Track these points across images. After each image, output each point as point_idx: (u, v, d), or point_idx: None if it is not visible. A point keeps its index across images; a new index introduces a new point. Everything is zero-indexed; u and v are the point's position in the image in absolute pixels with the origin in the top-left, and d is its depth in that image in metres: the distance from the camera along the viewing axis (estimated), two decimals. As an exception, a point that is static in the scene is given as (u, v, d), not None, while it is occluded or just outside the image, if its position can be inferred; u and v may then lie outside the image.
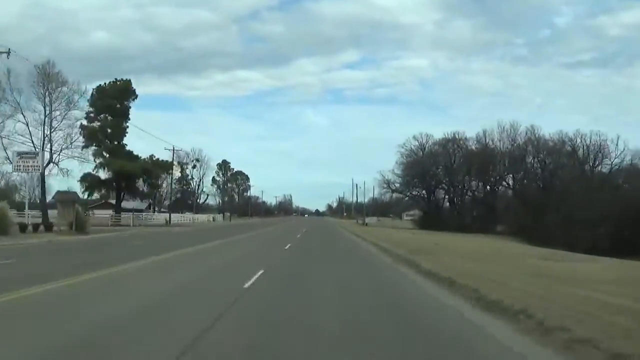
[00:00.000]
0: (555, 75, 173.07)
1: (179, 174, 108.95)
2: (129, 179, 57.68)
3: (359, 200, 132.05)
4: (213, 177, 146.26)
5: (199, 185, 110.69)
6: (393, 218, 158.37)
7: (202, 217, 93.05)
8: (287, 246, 24.43)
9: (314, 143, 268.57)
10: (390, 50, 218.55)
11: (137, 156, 59.85)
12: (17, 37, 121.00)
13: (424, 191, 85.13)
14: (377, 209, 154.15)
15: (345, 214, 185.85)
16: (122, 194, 59.80)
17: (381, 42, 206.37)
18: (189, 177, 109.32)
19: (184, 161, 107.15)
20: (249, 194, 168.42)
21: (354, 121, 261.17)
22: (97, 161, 56.02)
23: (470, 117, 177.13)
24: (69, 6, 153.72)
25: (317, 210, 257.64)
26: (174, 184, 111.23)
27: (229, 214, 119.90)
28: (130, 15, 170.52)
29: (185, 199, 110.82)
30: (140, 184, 62.07)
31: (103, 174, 57.53)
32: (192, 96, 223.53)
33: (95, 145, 57.15)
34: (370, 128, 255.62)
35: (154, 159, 60.28)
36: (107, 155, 56.92)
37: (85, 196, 62.03)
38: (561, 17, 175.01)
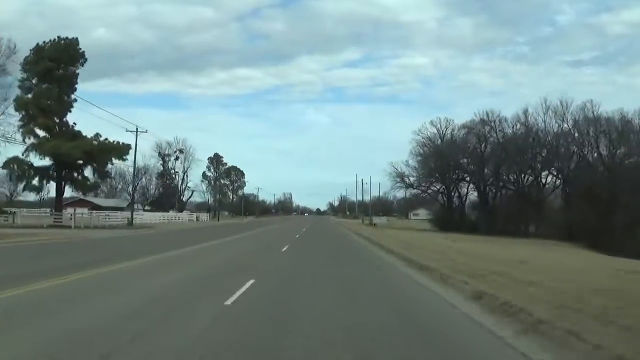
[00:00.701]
0: (556, 73, 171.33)
1: (161, 167, 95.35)
2: (71, 165, 43.91)
3: (364, 198, 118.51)
4: (204, 173, 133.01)
5: (183, 180, 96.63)
6: (399, 217, 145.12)
7: (183, 216, 79.28)
8: (249, 284, 10.89)
9: (315, 142, 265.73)
10: (391, 48, 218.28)
11: (84, 137, 46.04)
12: (18, 34, 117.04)
13: (443, 186, 71.32)
14: (380, 208, 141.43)
15: (348, 212, 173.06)
16: (63, 184, 45.96)
17: (382, 40, 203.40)
18: (172, 170, 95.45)
19: (166, 152, 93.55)
20: (243, 192, 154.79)
21: (355, 120, 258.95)
22: (28, 142, 42.39)
23: (471, 115, 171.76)
24: (70, 3, 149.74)
25: (318, 209, 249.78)
26: (156, 178, 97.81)
27: (218, 212, 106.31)
28: (130, 12, 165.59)
29: (169, 196, 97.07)
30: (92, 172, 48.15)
31: (38, 160, 43.86)
32: (192, 94, 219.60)
33: (32, 123, 43.70)
34: (371, 127, 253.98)
35: (102, 139, 46.20)
36: (42, 135, 43.32)
37: (21, 188, 48.55)
38: (563, 15, 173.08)
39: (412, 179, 73.20)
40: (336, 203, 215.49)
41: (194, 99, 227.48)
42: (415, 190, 73.67)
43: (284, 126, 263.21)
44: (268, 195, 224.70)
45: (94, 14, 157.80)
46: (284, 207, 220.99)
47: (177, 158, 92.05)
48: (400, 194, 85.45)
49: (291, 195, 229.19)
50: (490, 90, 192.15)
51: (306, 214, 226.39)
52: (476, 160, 61.32)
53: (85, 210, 53.69)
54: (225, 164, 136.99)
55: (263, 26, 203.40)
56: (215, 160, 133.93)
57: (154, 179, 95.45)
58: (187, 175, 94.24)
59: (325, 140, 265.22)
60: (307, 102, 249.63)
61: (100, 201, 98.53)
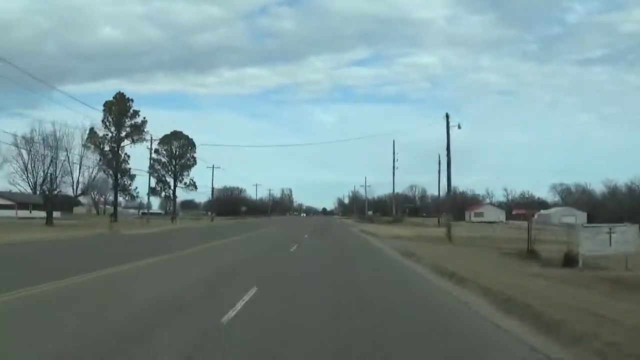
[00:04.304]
0: (565, 72, 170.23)
1: None
2: None
3: (441, 180, 55.36)
4: (91, 130, 67.94)
5: None
6: (451, 217, 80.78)
7: None
8: None
9: (322, 141, 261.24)
10: (399, 47, 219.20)
11: None
12: (21, 32, 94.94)
13: None
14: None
15: (370, 212, 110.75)
16: None
17: (391, 39, 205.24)
18: None
19: None
20: (190, 178, 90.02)
21: (363, 119, 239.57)
22: None
23: (479, 115, 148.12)
24: (75, 1, 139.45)
25: (324, 209, 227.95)
26: None
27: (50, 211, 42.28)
28: (137, 11, 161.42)
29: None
30: None
31: None
32: (200, 94, 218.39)
33: None
34: (379, 126, 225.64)
35: None
36: None
37: None
38: (572, 14, 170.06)
39: None
40: (346, 200, 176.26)
41: (202, 99, 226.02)
42: None
43: (291, 125, 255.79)
44: (264, 191, 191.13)
45: (100, 11, 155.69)
46: (281, 206, 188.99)
47: None
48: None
49: (291, 191, 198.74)
50: (498, 90, 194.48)
51: (304, 215, 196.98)
52: None
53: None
54: (137, 112, 70.14)
55: (271, 25, 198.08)
56: (119, 104, 67.83)
57: None
58: None
59: (332, 140, 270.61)
60: (315, 101, 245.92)
61: None
